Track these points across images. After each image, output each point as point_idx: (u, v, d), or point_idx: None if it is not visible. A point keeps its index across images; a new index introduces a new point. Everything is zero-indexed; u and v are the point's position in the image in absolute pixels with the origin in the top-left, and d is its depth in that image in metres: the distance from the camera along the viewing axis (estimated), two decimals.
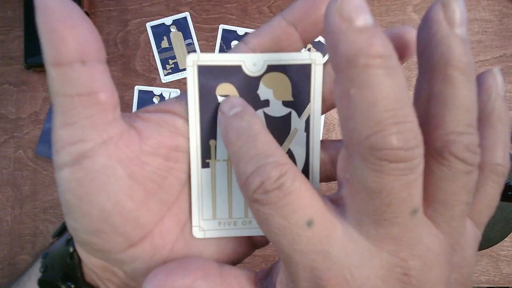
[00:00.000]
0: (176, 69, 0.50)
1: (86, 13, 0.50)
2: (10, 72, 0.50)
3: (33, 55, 0.47)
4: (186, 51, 0.51)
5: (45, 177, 0.49)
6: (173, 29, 0.51)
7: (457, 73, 0.12)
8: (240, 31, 0.51)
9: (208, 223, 0.18)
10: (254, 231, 0.18)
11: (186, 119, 0.17)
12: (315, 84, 0.17)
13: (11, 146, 0.49)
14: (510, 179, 0.45)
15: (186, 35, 0.51)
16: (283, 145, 0.17)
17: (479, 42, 0.51)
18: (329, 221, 0.13)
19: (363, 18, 0.11)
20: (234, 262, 0.19)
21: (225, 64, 0.17)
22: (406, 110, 0.12)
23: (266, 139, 0.14)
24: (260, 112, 0.17)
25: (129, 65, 0.50)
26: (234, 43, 0.51)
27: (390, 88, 0.11)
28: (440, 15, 0.12)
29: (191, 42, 0.51)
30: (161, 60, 0.50)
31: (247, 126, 0.15)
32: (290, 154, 0.17)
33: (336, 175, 0.16)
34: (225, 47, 0.51)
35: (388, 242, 0.13)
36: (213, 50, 0.51)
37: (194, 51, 0.51)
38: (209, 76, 0.17)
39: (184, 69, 0.50)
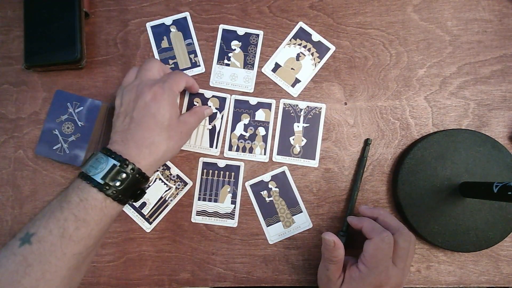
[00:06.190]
0: (176, 69, 0.50)
1: (86, 13, 0.50)
2: (10, 72, 0.50)
3: (33, 55, 0.47)
4: (186, 51, 0.51)
5: (45, 177, 0.49)
6: (173, 29, 0.51)
7: None
8: (240, 31, 0.51)
9: None
10: None
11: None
12: None
13: (11, 146, 0.49)
14: (510, 179, 0.45)
15: (186, 35, 0.51)
16: None
17: (479, 42, 0.51)
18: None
19: None
20: None
21: None
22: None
23: None
24: None
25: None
26: (234, 43, 0.51)
27: None
28: None
29: (191, 42, 0.51)
30: (161, 60, 0.50)
31: None
32: None
33: None
34: (225, 47, 0.51)
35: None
36: (213, 50, 0.51)
37: (194, 51, 0.51)
38: None
39: (185, 69, 0.50)
